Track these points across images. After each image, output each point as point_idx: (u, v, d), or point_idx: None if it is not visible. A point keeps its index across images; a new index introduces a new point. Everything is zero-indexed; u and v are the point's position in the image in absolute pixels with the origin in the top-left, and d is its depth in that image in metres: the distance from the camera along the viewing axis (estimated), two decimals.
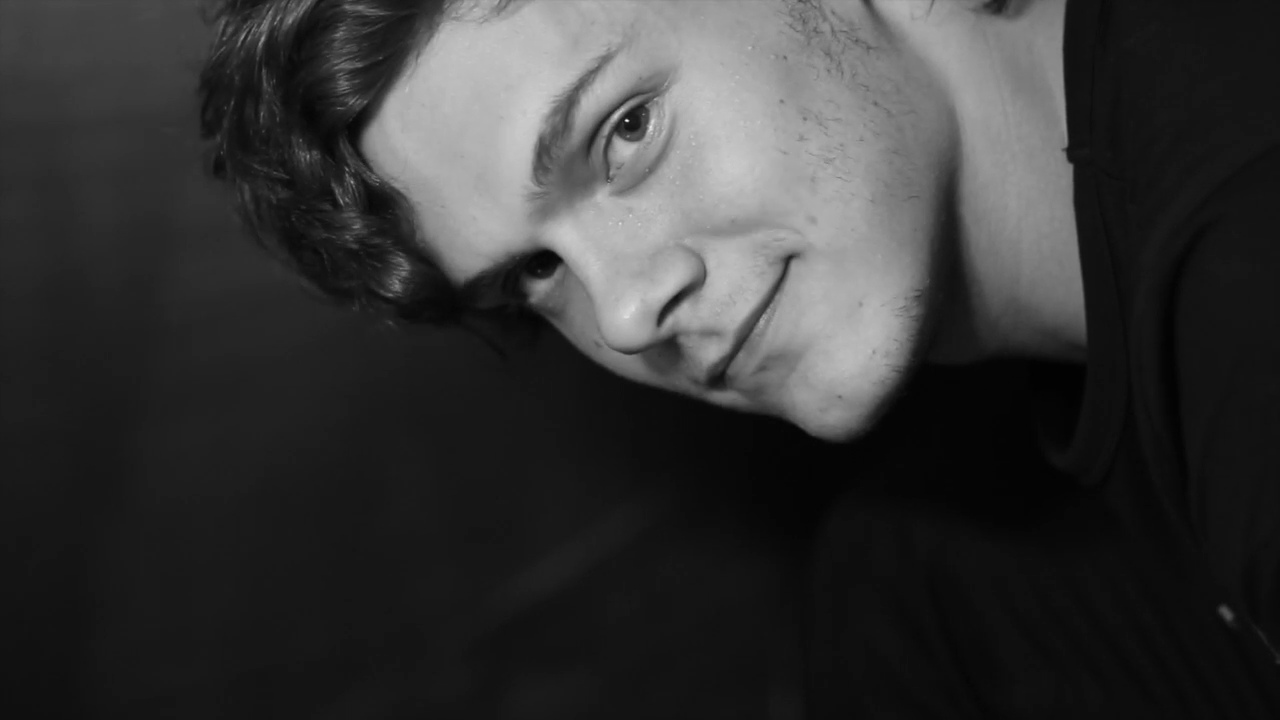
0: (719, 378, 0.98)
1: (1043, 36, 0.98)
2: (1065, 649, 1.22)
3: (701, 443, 1.56)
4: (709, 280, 0.94)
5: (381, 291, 0.97)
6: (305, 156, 0.94)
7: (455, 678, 1.53)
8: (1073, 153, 0.96)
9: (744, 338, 0.95)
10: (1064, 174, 0.97)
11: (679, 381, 1.00)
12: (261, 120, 0.95)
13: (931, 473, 1.30)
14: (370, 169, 0.95)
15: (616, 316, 0.93)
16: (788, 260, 0.94)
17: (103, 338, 1.42)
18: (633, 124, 0.93)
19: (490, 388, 1.51)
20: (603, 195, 0.94)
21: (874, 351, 0.94)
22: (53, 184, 1.38)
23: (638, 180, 0.94)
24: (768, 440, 1.56)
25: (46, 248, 1.39)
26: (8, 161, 1.37)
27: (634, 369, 1.00)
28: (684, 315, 0.94)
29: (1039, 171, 0.97)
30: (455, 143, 0.93)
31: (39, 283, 1.40)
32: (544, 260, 0.98)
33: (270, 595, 1.49)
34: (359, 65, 0.92)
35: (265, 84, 0.93)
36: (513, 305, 1.01)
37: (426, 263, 0.96)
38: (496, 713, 1.54)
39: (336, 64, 0.92)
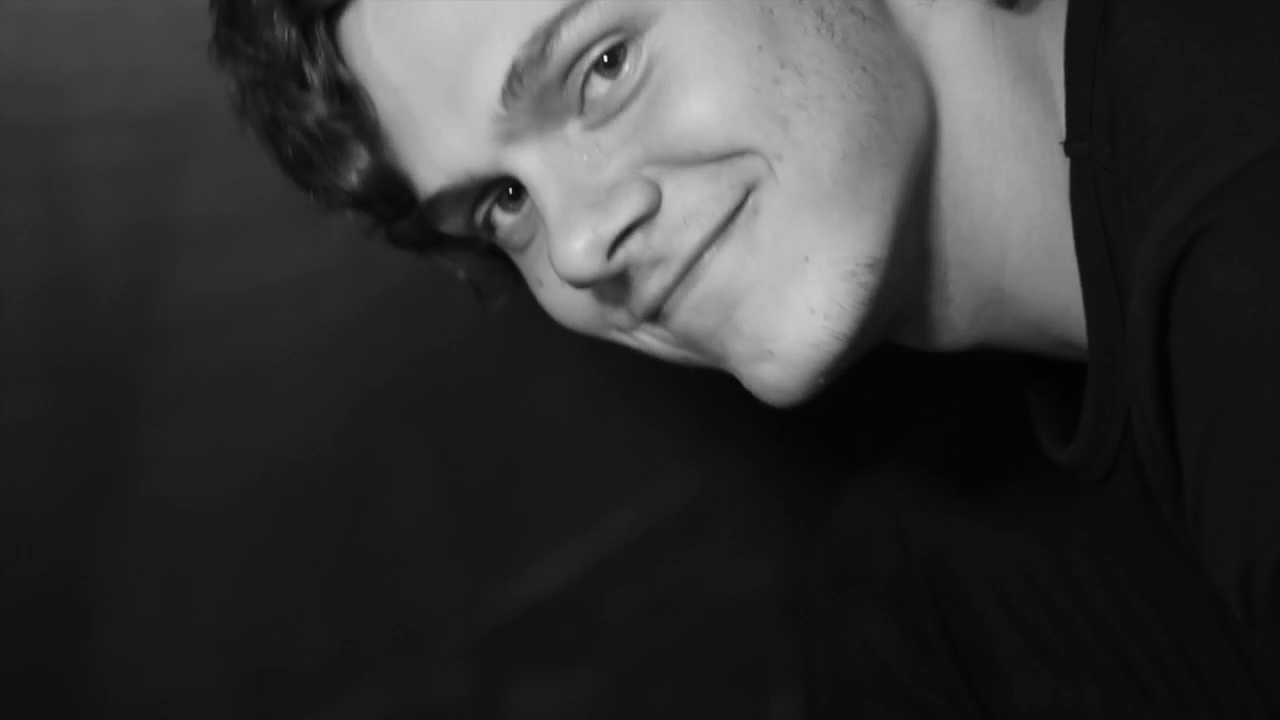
0: (655, 314, 0.97)
1: (1048, 29, 0.97)
2: (1064, 648, 1.21)
3: (702, 443, 1.56)
4: (663, 207, 0.94)
5: (339, 183, 0.97)
6: (282, 34, 0.95)
7: (455, 678, 1.53)
8: (1070, 146, 0.95)
9: (690, 265, 0.94)
10: (1060, 166, 0.96)
11: (617, 320, 0.99)
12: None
13: (931, 472, 1.29)
14: (343, 62, 0.96)
15: (568, 247, 0.93)
16: (748, 192, 0.94)
17: (103, 338, 1.42)
18: (611, 62, 0.93)
19: (490, 388, 1.51)
20: (573, 129, 0.94)
21: (812, 311, 0.93)
22: (53, 184, 1.38)
23: (608, 117, 0.94)
24: (768, 440, 1.57)
25: (46, 248, 1.39)
26: (8, 161, 1.37)
27: (571, 311, 1.00)
28: (635, 247, 0.94)
29: (1032, 162, 0.97)
30: (427, 52, 0.93)
31: (39, 283, 1.40)
32: (515, 194, 0.98)
33: (270, 595, 1.49)
34: None
35: None
36: (483, 238, 1.01)
37: (387, 159, 0.96)
38: (496, 713, 1.54)
39: None
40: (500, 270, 1.07)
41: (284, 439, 1.46)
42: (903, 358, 1.06)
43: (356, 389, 1.48)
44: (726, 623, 1.57)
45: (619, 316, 0.99)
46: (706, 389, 1.50)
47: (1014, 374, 1.14)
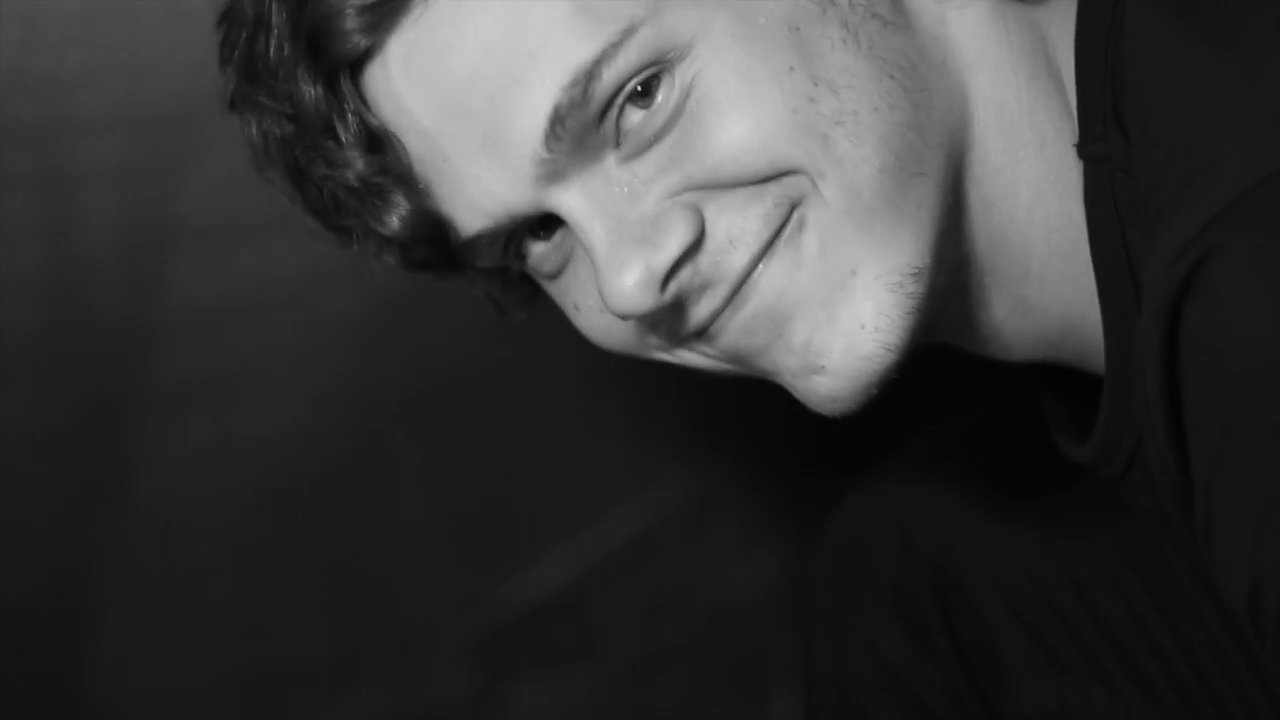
0: (702, 333, 0.97)
1: (1058, 29, 0.98)
2: (1069, 651, 1.21)
3: (702, 443, 1.56)
4: (707, 231, 0.94)
5: (380, 230, 0.96)
6: (309, 92, 0.94)
7: (455, 678, 1.53)
8: (1083, 148, 0.95)
9: (739, 286, 0.94)
10: (1073, 169, 0.96)
11: (658, 340, 0.99)
12: (270, 54, 0.94)
13: (935, 472, 1.29)
14: (371, 111, 0.95)
15: (620, 283, 0.93)
16: (793, 208, 0.94)
17: (103, 338, 1.42)
18: (644, 91, 0.93)
19: (490, 388, 1.51)
20: (611, 162, 0.94)
21: (862, 326, 0.94)
22: (53, 184, 1.38)
23: (644, 147, 0.93)
24: (769, 440, 1.57)
25: (46, 248, 1.39)
26: (8, 162, 1.37)
27: (609, 335, 0.99)
28: (686, 276, 0.94)
29: (1049, 162, 0.97)
30: (461, 98, 0.92)
31: (39, 283, 1.40)
32: (546, 222, 0.97)
33: (270, 595, 1.49)
34: (365, 2, 0.91)
35: (275, 17, 0.93)
36: (514, 267, 1.01)
37: (426, 203, 0.95)
38: (496, 713, 1.54)
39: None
40: (519, 286, 1.06)
41: (284, 440, 1.46)
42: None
43: (356, 389, 1.48)
44: (726, 623, 1.57)
45: (659, 337, 0.99)
46: (707, 389, 1.49)
47: (1021, 374, 1.14)
